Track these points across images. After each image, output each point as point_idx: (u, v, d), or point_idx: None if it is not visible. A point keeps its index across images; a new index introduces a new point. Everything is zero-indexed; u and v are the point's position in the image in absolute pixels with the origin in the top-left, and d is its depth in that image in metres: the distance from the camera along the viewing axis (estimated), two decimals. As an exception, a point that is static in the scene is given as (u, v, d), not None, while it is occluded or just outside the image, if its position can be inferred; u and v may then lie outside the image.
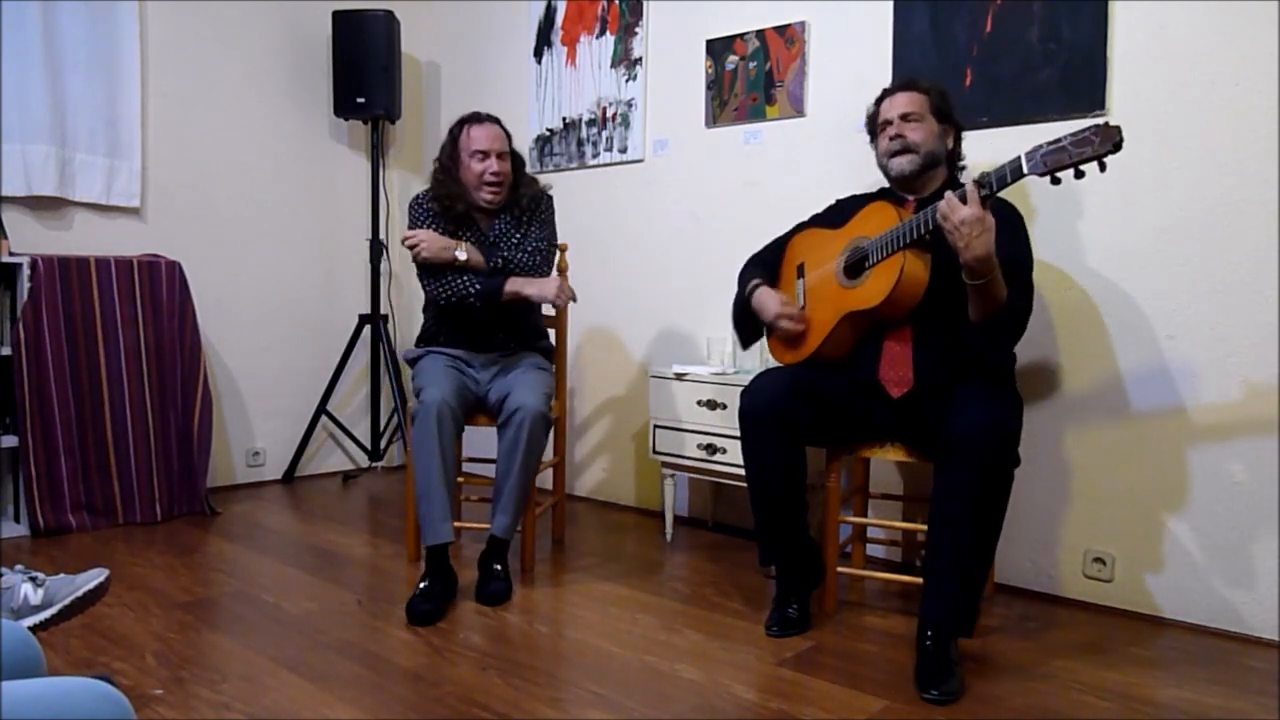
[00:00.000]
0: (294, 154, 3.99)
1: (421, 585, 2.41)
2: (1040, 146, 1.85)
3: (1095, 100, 2.46)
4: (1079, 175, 1.83)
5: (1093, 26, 2.46)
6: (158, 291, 3.25)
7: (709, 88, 3.31)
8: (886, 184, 2.41)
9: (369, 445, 4.17)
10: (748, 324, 2.50)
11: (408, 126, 4.35)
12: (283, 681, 1.94)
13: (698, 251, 3.39)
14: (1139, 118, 2.41)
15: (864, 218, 2.29)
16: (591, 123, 3.70)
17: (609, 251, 3.65)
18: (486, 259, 2.66)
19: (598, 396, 3.72)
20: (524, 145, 3.85)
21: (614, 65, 3.60)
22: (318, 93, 4.04)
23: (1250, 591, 2.29)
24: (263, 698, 1.86)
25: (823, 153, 3.02)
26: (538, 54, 3.88)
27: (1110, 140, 1.76)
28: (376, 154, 4.10)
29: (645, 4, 3.50)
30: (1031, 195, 2.56)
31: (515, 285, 2.64)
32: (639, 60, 3.52)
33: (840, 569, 2.40)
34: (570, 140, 3.78)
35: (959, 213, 1.91)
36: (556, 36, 3.81)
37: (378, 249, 4.07)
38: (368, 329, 4.07)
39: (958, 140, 2.36)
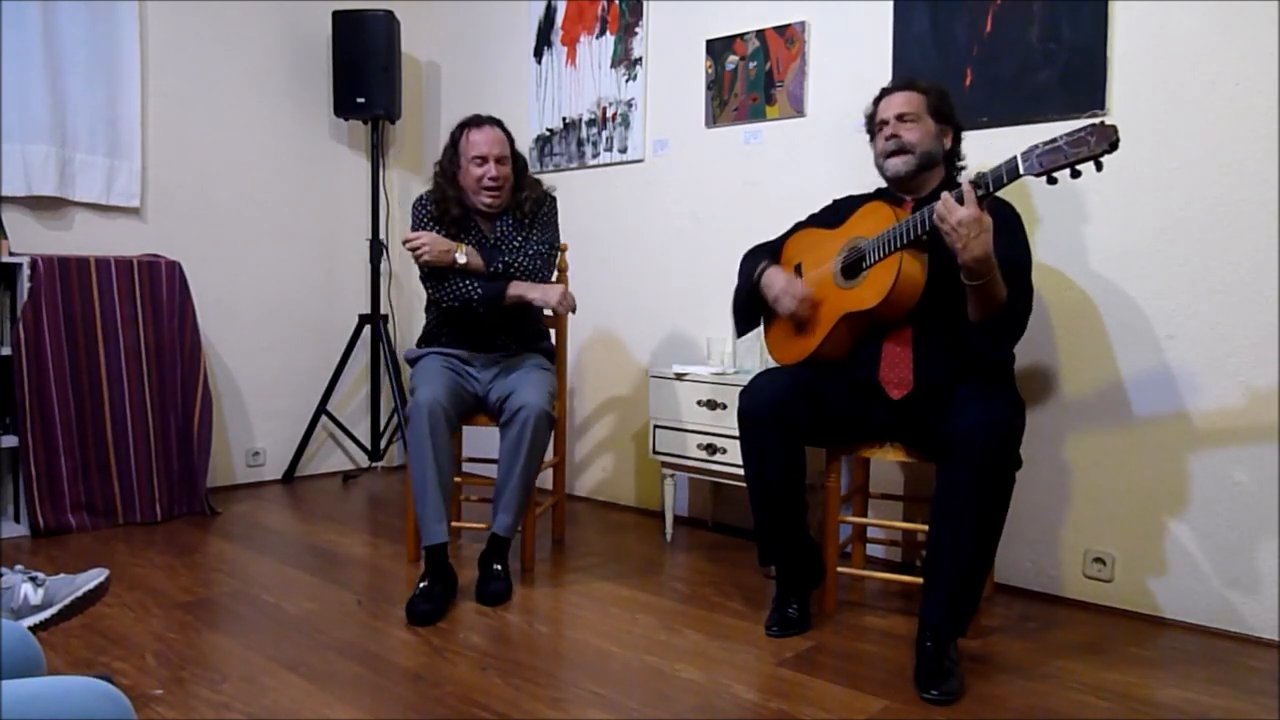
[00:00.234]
0: (294, 154, 3.99)
1: (421, 585, 2.41)
2: (1036, 146, 1.85)
3: (1095, 100, 2.46)
4: (1075, 175, 1.82)
5: (1093, 26, 2.46)
6: (158, 291, 3.25)
7: (709, 88, 3.31)
8: (884, 184, 2.41)
9: (369, 445, 4.17)
10: (749, 309, 2.49)
11: (408, 126, 4.35)
12: (283, 681, 1.94)
13: (698, 251, 3.39)
14: (1139, 118, 2.41)
15: (861, 218, 2.29)
16: (591, 123, 3.70)
17: (609, 251, 3.65)
18: (487, 262, 2.65)
19: (598, 396, 3.72)
20: (524, 145, 3.85)
21: (614, 65, 3.61)
22: (318, 93, 4.04)
23: (1250, 591, 2.29)
24: (263, 698, 1.86)
25: (823, 153, 3.02)
26: (538, 54, 3.88)
27: (1106, 140, 1.76)
28: (376, 154, 4.10)
29: (645, 4, 3.50)
30: (1031, 196, 2.56)
31: (518, 290, 2.63)
32: (639, 60, 3.52)
33: (840, 569, 2.40)
34: (570, 140, 3.78)
35: (956, 214, 1.90)
36: (556, 36, 3.81)
37: (378, 249, 4.07)
38: (368, 329, 4.07)
39: (957, 140, 2.35)
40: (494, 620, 2.35)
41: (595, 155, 3.69)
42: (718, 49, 3.27)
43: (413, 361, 2.79)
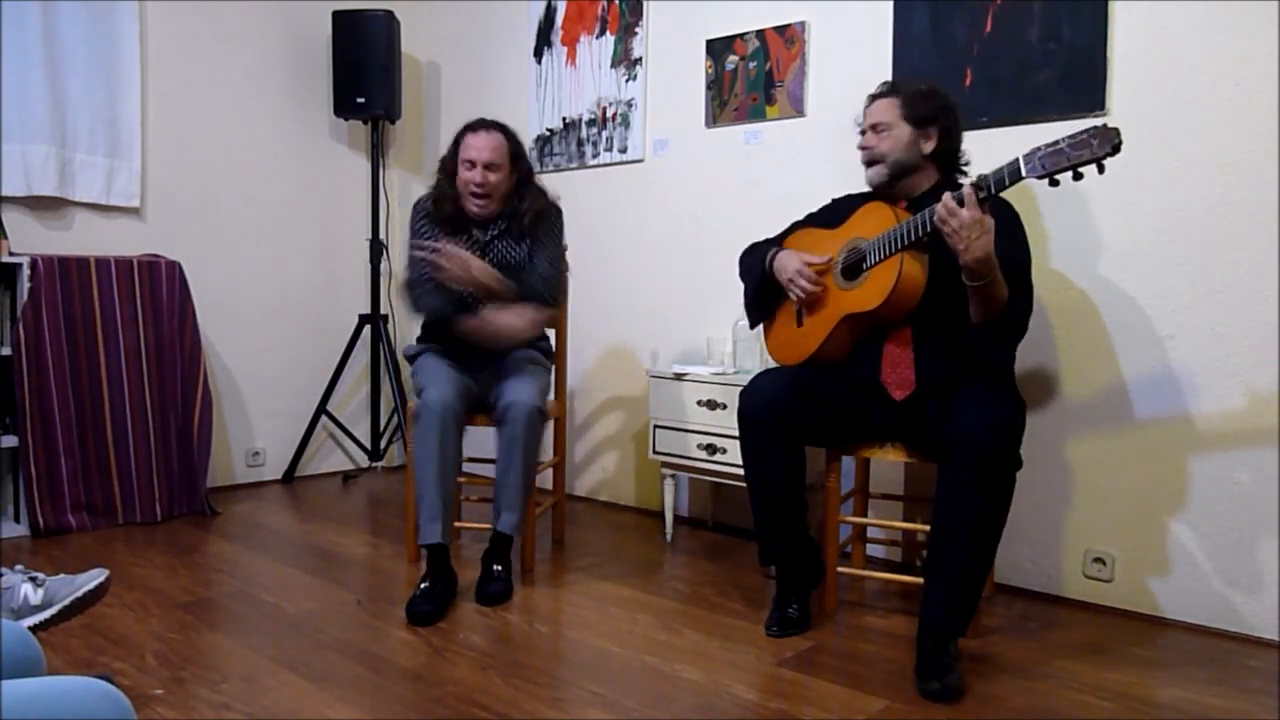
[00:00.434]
0: (294, 154, 3.99)
1: (422, 585, 2.41)
2: (1038, 149, 1.85)
3: (1095, 100, 2.46)
4: (1077, 177, 1.82)
5: (1093, 26, 2.46)
6: (158, 291, 3.25)
7: (709, 88, 3.31)
8: None
9: (369, 445, 4.17)
10: (762, 298, 2.48)
11: (408, 126, 4.35)
12: (283, 681, 1.94)
13: (698, 251, 3.39)
14: (1139, 118, 2.41)
15: (861, 218, 2.29)
16: (591, 123, 3.70)
17: (609, 251, 3.65)
18: (521, 287, 2.65)
19: (598, 396, 3.72)
20: (524, 145, 3.84)
21: (614, 65, 3.61)
22: (318, 93, 4.04)
23: (1251, 591, 2.29)
24: (263, 698, 1.86)
25: (823, 153, 3.02)
26: (538, 54, 3.88)
27: (1109, 142, 1.76)
28: (376, 154, 4.10)
29: (645, 4, 3.50)
30: (1031, 196, 2.56)
31: (474, 324, 2.58)
32: (639, 60, 3.52)
33: (840, 569, 2.40)
34: (570, 140, 3.78)
35: (958, 216, 1.90)
36: (556, 36, 3.81)
37: (378, 249, 4.07)
38: (368, 329, 4.07)
39: (944, 139, 2.26)
40: (494, 620, 2.35)
41: (595, 155, 3.69)
42: (718, 49, 3.27)
43: (411, 358, 2.79)
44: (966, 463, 1.97)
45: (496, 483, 2.57)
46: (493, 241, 2.72)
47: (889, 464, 2.83)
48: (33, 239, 3.25)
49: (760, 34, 3.15)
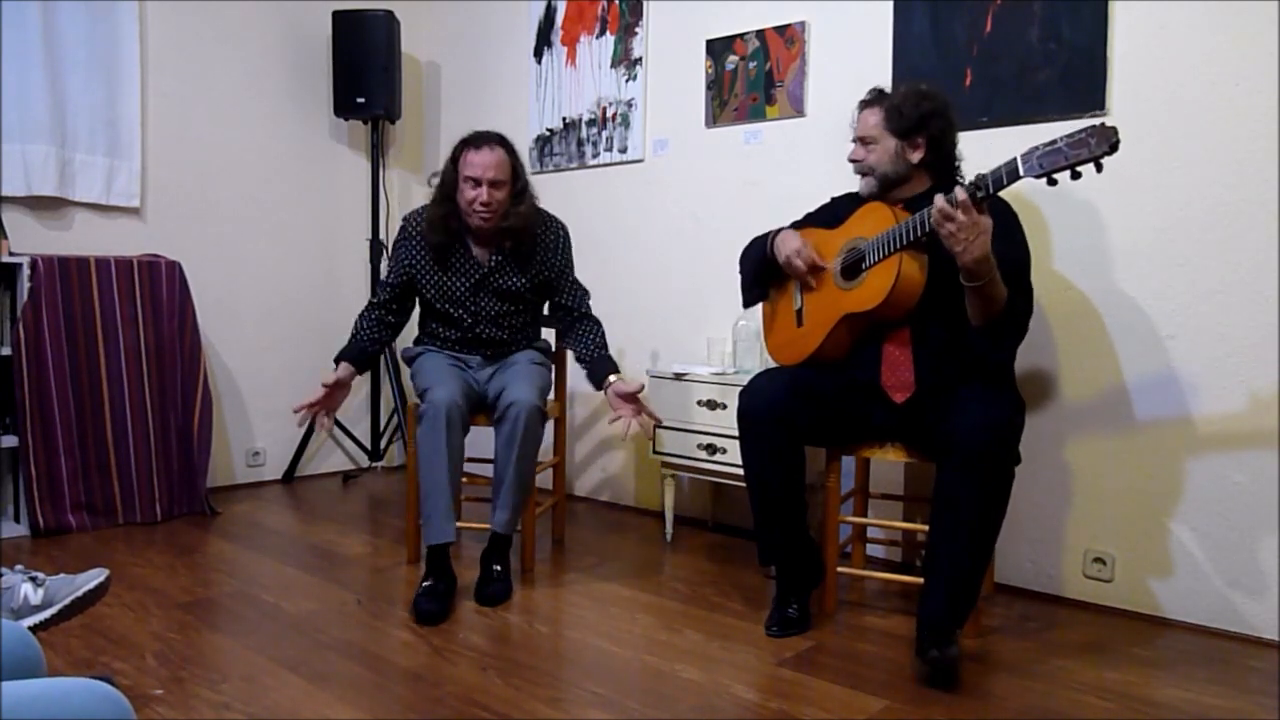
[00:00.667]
0: (294, 154, 3.99)
1: (425, 585, 2.41)
2: (1036, 148, 1.85)
3: (1095, 100, 2.46)
4: (1075, 177, 1.82)
5: (1093, 26, 2.46)
6: (158, 291, 3.25)
7: (709, 88, 3.31)
8: None
9: (369, 445, 4.17)
10: (758, 277, 2.49)
11: (408, 126, 4.35)
12: (283, 681, 1.94)
13: (698, 251, 3.39)
14: (1139, 118, 2.41)
15: (860, 218, 2.29)
16: (591, 123, 3.70)
17: (609, 251, 3.65)
18: (477, 289, 2.70)
19: (598, 397, 3.70)
20: (524, 145, 3.85)
21: (614, 65, 3.60)
22: (318, 93, 4.04)
23: (1251, 591, 2.29)
24: (263, 698, 1.86)
25: (823, 153, 3.02)
26: (538, 54, 3.88)
27: (1106, 141, 1.76)
28: (376, 154, 4.10)
29: (645, 4, 3.50)
30: (1031, 196, 2.56)
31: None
32: (639, 60, 3.52)
33: (840, 569, 2.40)
34: (570, 140, 3.78)
35: (955, 218, 1.90)
36: (556, 36, 3.81)
37: (378, 249, 4.07)
38: (368, 329, 4.06)
39: (933, 146, 2.24)
40: (494, 620, 2.35)
41: (595, 155, 3.69)
42: (718, 49, 3.27)
43: (410, 359, 2.79)
44: (965, 462, 1.98)
45: (494, 481, 2.57)
46: (494, 271, 2.71)
47: (889, 464, 2.83)
48: (33, 239, 3.25)
49: (760, 34, 3.15)
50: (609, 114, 3.63)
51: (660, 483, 3.17)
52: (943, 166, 2.29)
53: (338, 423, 4.06)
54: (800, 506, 2.28)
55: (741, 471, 2.34)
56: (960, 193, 1.90)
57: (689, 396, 2.98)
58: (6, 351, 2.97)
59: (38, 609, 1.81)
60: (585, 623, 2.34)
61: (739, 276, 2.58)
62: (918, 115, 2.21)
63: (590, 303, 2.86)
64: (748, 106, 3.21)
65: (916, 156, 2.24)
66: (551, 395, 2.93)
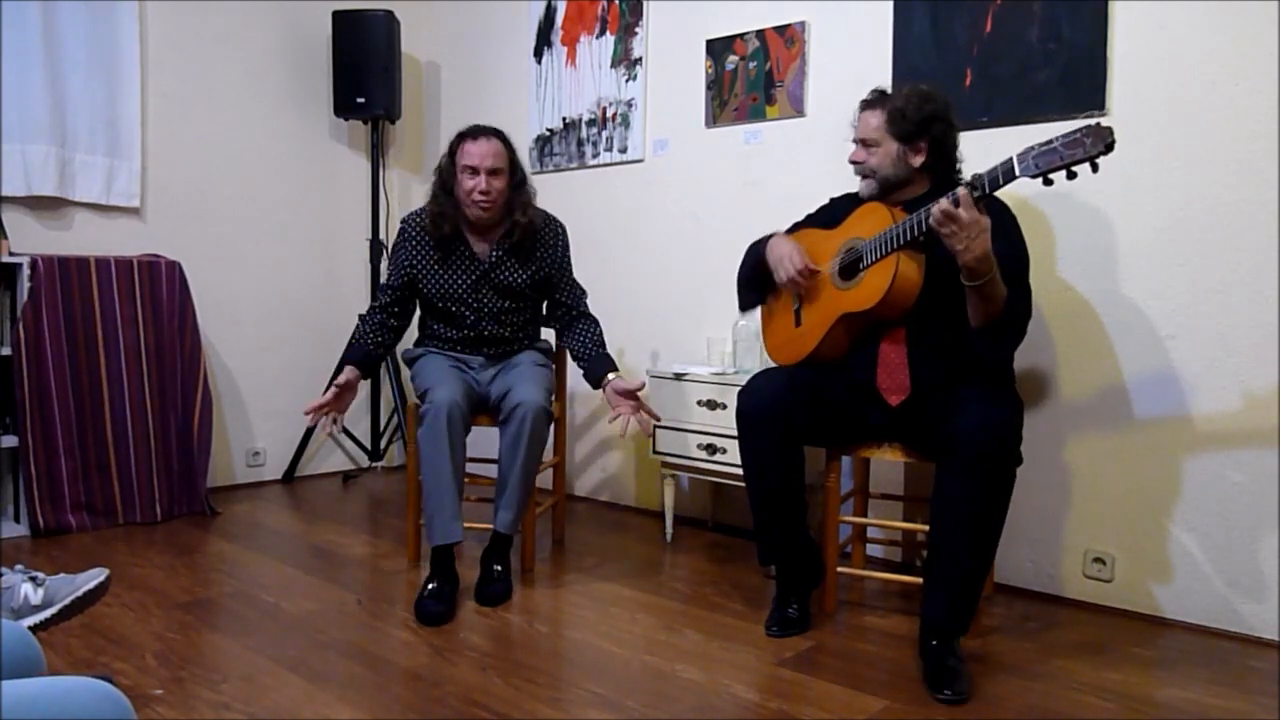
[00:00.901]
0: (294, 154, 3.99)
1: (430, 586, 2.41)
2: (1032, 148, 1.85)
3: (1095, 100, 2.46)
4: (1071, 177, 1.82)
5: (1093, 26, 2.46)
6: (158, 291, 3.25)
7: (709, 88, 3.31)
8: None
9: (369, 445, 4.17)
10: (753, 283, 2.49)
11: (408, 126, 4.35)
12: (283, 681, 1.94)
13: (698, 251, 3.39)
14: (1139, 118, 2.41)
15: (859, 218, 2.29)
16: (591, 123, 3.70)
17: (609, 251, 3.66)
18: (479, 285, 2.70)
19: (598, 397, 3.70)
20: (524, 145, 3.85)
21: (614, 65, 3.61)
22: (318, 93, 4.04)
23: (1251, 591, 2.29)
24: (263, 698, 1.86)
25: (823, 153, 3.02)
26: (538, 54, 3.88)
27: (1102, 141, 1.76)
28: (376, 154, 4.10)
29: (645, 4, 3.50)
30: (1030, 196, 2.56)
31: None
32: (639, 60, 3.52)
33: (840, 569, 2.40)
34: (570, 140, 3.78)
35: (956, 219, 1.90)
36: (556, 36, 3.81)
37: (378, 249, 4.07)
38: (368, 329, 4.06)
39: (934, 149, 2.23)
40: (494, 620, 2.35)
41: (595, 155, 3.69)
42: (718, 49, 3.27)
43: (411, 361, 2.79)
44: (965, 462, 1.97)
45: (498, 481, 2.57)
46: (496, 265, 2.72)
47: (889, 464, 2.83)
48: (33, 239, 3.25)
49: (760, 34, 3.15)
50: (609, 114, 3.63)
51: (660, 483, 3.17)
52: (943, 169, 2.28)
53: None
54: (799, 506, 2.28)
55: (741, 471, 2.34)
56: (963, 191, 1.90)
57: (689, 396, 2.98)
58: (6, 351, 2.97)
59: (38, 609, 1.81)
60: (585, 623, 2.34)
61: (735, 277, 2.57)
62: (920, 119, 2.20)
63: (588, 302, 2.86)
64: (748, 106, 3.21)
65: (918, 160, 2.23)
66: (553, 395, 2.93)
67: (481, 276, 2.71)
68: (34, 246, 3.20)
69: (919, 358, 2.20)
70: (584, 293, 2.86)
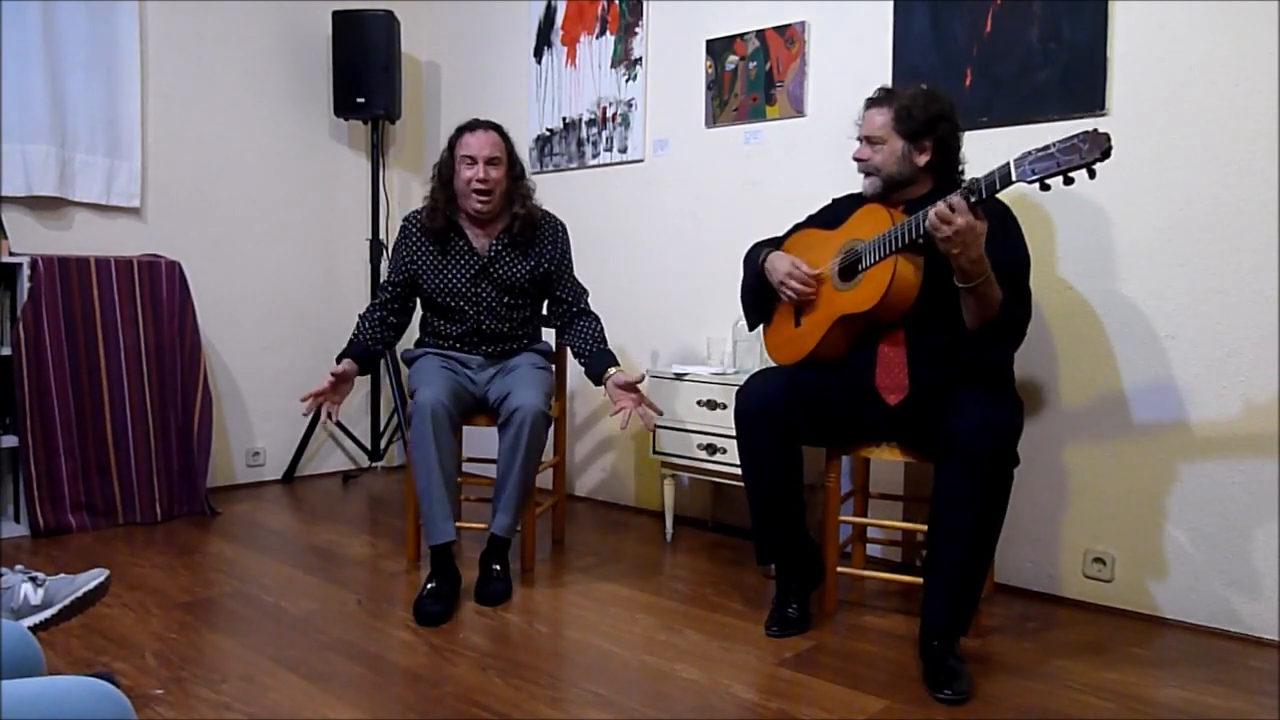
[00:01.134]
0: (294, 154, 3.99)
1: (429, 586, 2.41)
2: (1029, 153, 1.85)
3: (1095, 100, 2.46)
4: (1068, 182, 1.82)
5: (1093, 26, 2.46)
6: (158, 291, 3.25)
7: (709, 88, 3.31)
8: None
9: (369, 445, 4.17)
10: (758, 299, 2.49)
11: (408, 126, 4.35)
12: (283, 681, 1.94)
13: (698, 251, 3.39)
14: (1139, 118, 2.41)
15: (858, 220, 2.29)
16: (591, 123, 3.70)
17: (609, 251, 3.66)
18: (477, 279, 2.70)
19: (598, 396, 3.71)
20: (524, 145, 3.85)
21: (614, 65, 3.61)
22: (318, 93, 4.04)
23: (1250, 591, 2.29)
24: (263, 698, 1.86)
25: (823, 153, 3.02)
26: (538, 54, 3.88)
27: (1099, 147, 1.76)
28: (376, 154, 4.10)
29: (645, 4, 3.50)
30: (1030, 196, 2.56)
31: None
32: (639, 60, 3.52)
33: (840, 569, 2.40)
34: (570, 140, 3.78)
35: (952, 223, 1.90)
36: (556, 36, 3.81)
37: (378, 249, 4.07)
38: (368, 329, 4.06)
39: (939, 148, 2.23)
40: (494, 620, 2.35)
41: (595, 155, 3.69)
42: (718, 49, 3.27)
43: (410, 361, 2.80)
44: (965, 463, 1.98)
45: (496, 484, 2.57)
46: (495, 258, 2.72)
47: (888, 464, 2.83)
48: (33, 239, 3.25)
49: (760, 34, 3.15)
50: (609, 114, 3.63)
51: (660, 483, 3.17)
52: (947, 169, 2.28)
53: (338, 423, 4.05)
54: (798, 506, 2.29)
55: (741, 471, 2.34)
56: (956, 198, 1.91)
57: (689, 396, 2.98)
58: (6, 351, 2.97)
59: (38, 609, 1.81)
60: (585, 623, 2.34)
61: (739, 298, 2.56)
62: (926, 118, 2.20)
63: (589, 301, 2.86)
64: (748, 106, 3.21)
65: (923, 160, 2.24)
66: (553, 397, 2.93)
67: (480, 271, 2.71)
68: (34, 246, 3.20)
69: (918, 358, 2.20)
70: (585, 291, 2.86)
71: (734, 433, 2.32)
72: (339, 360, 2.66)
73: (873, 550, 2.89)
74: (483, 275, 2.71)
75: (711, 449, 2.92)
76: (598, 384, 2.67)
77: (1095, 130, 1.77)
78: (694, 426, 2.96)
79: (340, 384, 2.61)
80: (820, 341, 2.29)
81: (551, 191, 3.71)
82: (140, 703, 1.81)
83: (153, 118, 3.54)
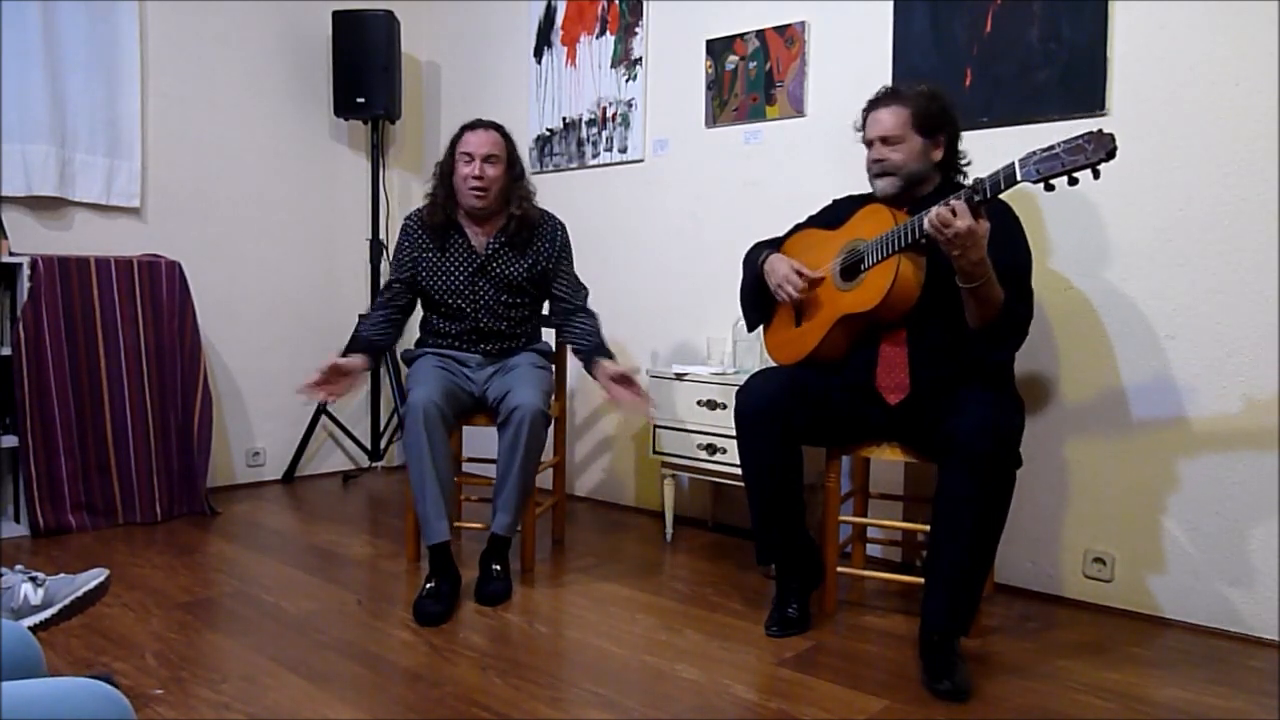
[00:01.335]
0: (294, 154, 3.99)
1: (428, 586, 2.41)
2: (1034, 153, 1.85)
3: (1095, 100, 2.46)
4: (1072, 183, 1.82)
5: (1093, 26, 2.46)
6: (158, 291, 3.25)
7: (709, 88, 3.31)
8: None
9: (369, 445, 4.17)
10: (757, 301, 2.49)
11: (408, 126, 4.35)
12: (283, 681, 1.94)
13: (698, 251, 3.39)
14: (1139, 118, 2.41)
15: (861, 219, 2.29)
16: (591, 123, 3.70)
17: (609, 251, 3.66)
18: (475, 277, 2.69)
19: (598, 396, 3.71)
20: (524, 145, 3.85)
21: (614, 65, 3.60)
22: (318, 93, 4.04)
23: (1250, 591, 2.29)
24: (263, 698, 1.86)
25: (823, 153, 3.02)
26: (538, 54, 3.88)
27: (1104, 147, 1.76)
28: (376, 154, 4.10)
29: (645, 4, 3.50)
30: (1031, 196, 2.56)
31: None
32: (639, 60, 3.52)
33: (840, 569, 2.40)
34: (570, 140, 3.78)
35: (953, 226, 1.90)
36: (556, 36, 3.81)
37: (378, 249, 4.07)
38: (368, 329, 4.06)
39: (948, 145, 2.27)
40: (494, 620, 2.35)
41: (595, 155, 3.69)
42: (718, 49, 3.27)
43: (409, 361, 2.80)
44: (966, 464, 1.98)
45: (496, 483, 2.57)
46: (493, 256, 2.72)
47: (889, 464, 2.83)
48: (33, 239, 3.25)
49: (760, 34, 3.15)
50: (609, 114, 3.63)
51: (660, 483, 3.17)
52: (952, 166, 2.30)
53: (338, 423, 4.06)
54: (798, 506, 2.29)
55: (741, 471, 2.34)
56: (961, 201, 1.91)
57: (689, 396, 2.98)
58: (6, 351, 2.97)
59: (38, 609, 1.81)
60: (585, 623, 2.34)
61: (739, 299, 2.57)
62: (940, 114, 2.23)
63: (589, 298, 2.86)
64: (748, 106, 3.21)
65: (938, 155, 2.25)
66: (552, 397, 2.94)
67: (479, 269, 2.71)
68: (34, 246, 3.20)
69: (919, 358, 2.20)
70: (585, 289, 2.87)
71: (734, 433, 2.32)
72: (344, 354, 2.64)
73: (873, 550, 2.89)
74: (480, 273, 2.72)
75: (711, 449, 2.92)
76: (592, 374, 2.67)
77: (1100, 130, 1.77)
78: (694, 426, 2.96)
79: (336, 376, 2.57)
80: (821, 341, 2.29)
81: (551, 191, 3.71)
82: (140, 703, 1.81)
83: (153, 118, 3.54)
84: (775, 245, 2.51)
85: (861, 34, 2.92)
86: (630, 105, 3.55)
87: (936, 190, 2.25)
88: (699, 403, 2.95)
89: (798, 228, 2.54)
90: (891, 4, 2.84)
